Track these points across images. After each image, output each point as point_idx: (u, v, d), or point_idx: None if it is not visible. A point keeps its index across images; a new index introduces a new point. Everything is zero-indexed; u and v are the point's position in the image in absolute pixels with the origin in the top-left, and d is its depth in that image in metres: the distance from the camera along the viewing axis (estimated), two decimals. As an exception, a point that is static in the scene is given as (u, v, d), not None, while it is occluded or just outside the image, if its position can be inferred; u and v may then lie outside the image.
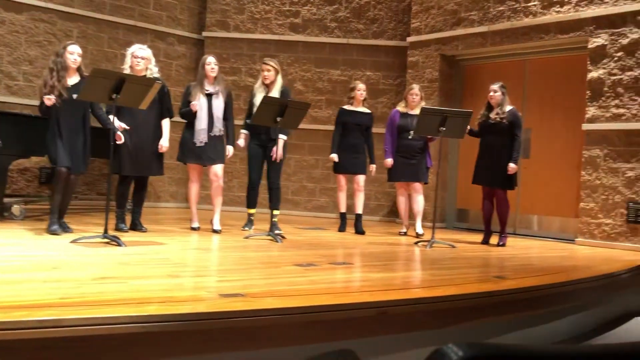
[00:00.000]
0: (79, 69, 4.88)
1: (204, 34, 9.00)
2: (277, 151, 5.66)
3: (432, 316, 2.86)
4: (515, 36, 7.29)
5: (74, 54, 4.79)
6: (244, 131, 5.98)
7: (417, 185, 6.37)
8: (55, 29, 7.82)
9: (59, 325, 2.04)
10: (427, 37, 8.13)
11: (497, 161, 5.79)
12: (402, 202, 6.55)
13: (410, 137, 6.14)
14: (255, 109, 5.40)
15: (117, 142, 4.97)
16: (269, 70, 5.87)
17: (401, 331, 2.73)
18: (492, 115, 5.87)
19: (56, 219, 4.73)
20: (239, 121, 6.40)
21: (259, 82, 5.98)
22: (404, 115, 6.33)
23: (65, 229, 4.81)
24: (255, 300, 2.60)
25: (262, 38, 8.92)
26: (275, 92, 5.80)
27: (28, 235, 4.54)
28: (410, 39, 8.34)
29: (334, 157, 6.37)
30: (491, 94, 5.93)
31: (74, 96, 4.64)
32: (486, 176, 5.88)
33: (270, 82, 5.87)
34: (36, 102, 5.78)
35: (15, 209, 5.63)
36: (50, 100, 4.56)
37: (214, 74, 5.59)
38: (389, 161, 6.34)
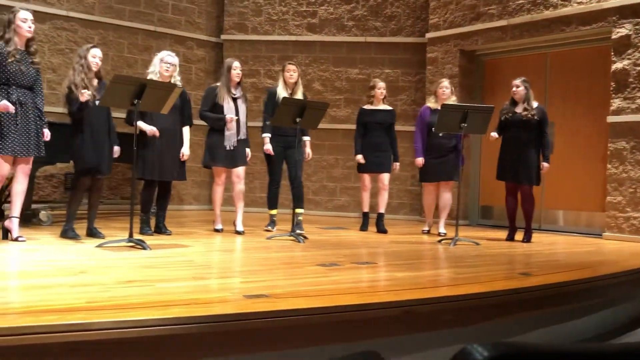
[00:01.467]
0: (97, 73, 4.92)
1: (223, 37, 9.07)
2: (308, 152, 5.98)
3: (457, 314, 2.83)
4: (535, 29, 7.20)
5: (96, 57, 4.82)
6: (267, 135, 5.94)
7: (448, 185, 6.26)
8: (76, 37, 7.95)
9: (87, 329, 2.07)
10: (446, 33, 8.07)
11: (523, 157, 5.73)
12: (428, 200, 6.41)
13: (441, 134, 5.99)
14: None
15: (148, 144, 5.11)
16: (294, 71, 5.95)
17: (426, 330, 2.71)
18: (519, 110, 5.80)
19: (72, 224, 4.78)
20: (256, 123, 6.40)
21: (281, 84, 5.98)
22: (435, 111, 6.08)
23: (98, 235, 4.83)
24: (279, 300, 2.60)
25: (280, 39, 8.95)
26: (299, 94, 5.87)
27: (56, 241, 4.62)
28: (428, 35, 8.29)
29: (360, 158, 6.31)
30: (514, 89, 5.86)
31: (96, 102, 4.70)
32: (512, 172, 5.80)
33: (295, 83, 5.92)
34: (59, 109, 5.88)
35: (43, 215, 5.73)
36: (83, 95, 4.54)
37: (239, 79, 5.64)
38: (420, 160, 6.20)
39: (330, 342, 2.46)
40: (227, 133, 5.54)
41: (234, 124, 5.54)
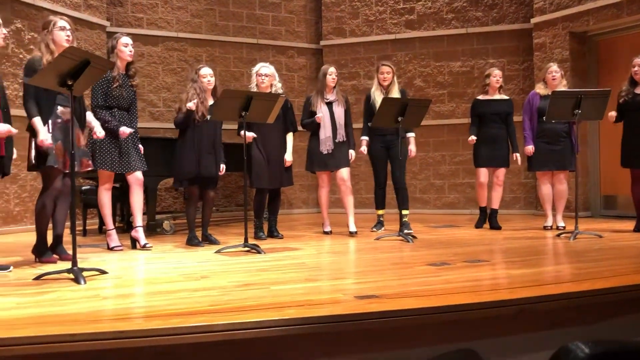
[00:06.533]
0: (213, 92, 5.21)
1: (322, 43, 9.22)
2: (411, 149, 5.84)
3: (578, 312, 2.68)
4: (655, 1, 6.62)
5: (206, 76, 5.14)
6: (364, 138, 6.00)
7: (562, 175, 5.91)
8: (186, 56, 8.46)
9: (209, 330, 2.21)
10: (553, 16, 7.65)
11: None
12: (545, 192, 5.97)
13: (553, 120, 5.62)
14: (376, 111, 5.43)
15: (256, 154, 5.35)
16: (388, 73, 5.89)
17: (544, 329, 2.59)
18: None
19: (194, 232, 5.10)
20: (358, 125, 6.45)
21: (375, 85, 5.99)
22: (545, 97, 5.74)
23: (212, 240, 5.14)
24: (390, 301, 2.62)
25: (378, 39, 8.95)
26: (395, 94, 5.81)
27: (178, 248, 4.95)
28: (534, 20, 7.90)
29: (472, 138, 6.06)
30: (635, 68, 5.44)
31: (208, 117, 4.98)
32: (639, 157, 5.38)
33: (389, 84, 5.88)
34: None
35: (166, 224, 6.15)
36: (194, 105, 4.88)
37: (334, 84, 5.74)
38: (530, 148, 5.86)
39: (442, 343, 2.43)
40: (322, 137, 5.64)
41: (327, 123, 5.61)
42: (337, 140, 5.69)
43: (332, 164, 5.71)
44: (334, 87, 5.77)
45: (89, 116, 4.39)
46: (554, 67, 5.95)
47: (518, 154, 6.13)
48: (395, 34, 8.89)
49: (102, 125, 4.49)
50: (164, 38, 8.36)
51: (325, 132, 5.65)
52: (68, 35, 4.01)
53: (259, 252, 4.45)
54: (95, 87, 4.54)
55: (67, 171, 3.97)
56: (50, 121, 3.94)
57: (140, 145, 4.84)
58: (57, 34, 4.00)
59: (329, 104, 5.73)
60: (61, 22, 4.03)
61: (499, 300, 2.60)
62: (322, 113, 5.65)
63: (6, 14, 6.20)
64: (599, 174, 7.64)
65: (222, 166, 5.25)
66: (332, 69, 5.78)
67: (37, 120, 3.87)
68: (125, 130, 4.53)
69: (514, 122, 6.20)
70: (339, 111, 5.73)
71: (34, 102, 3.89)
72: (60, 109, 3.99)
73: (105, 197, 4.69)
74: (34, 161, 3.96)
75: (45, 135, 3.85)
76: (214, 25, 8.72)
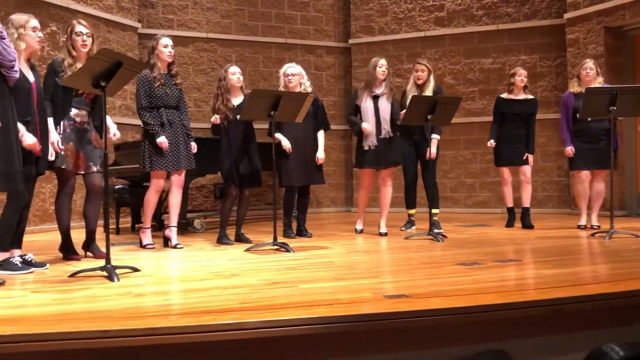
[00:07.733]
0: (241, 89, 5.27)
1: (350, 41, 9.20)
2: (431, 151, 5.60)
3: (612, 313, 2.62)
4: (695, -6, 6.42)
5: (235, 74, 5.19)
6: None
7: (601, 174, 5.76)
8: (216, 56, 8.55)
9: (240, 328, 2.23)
10: (587, 11, 7.49)
11: None
12: (581, 190, 5.84)
13: (590, 118, 5.49)
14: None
15: (286, 152, 5.33)
16: (422, 71, 5.81)
17: (577, 330, 2.54)
18: None
19: (225, 231, 5.15)
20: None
21: (411, 82, 5.92)
22: (579, 95, 5.60)
23: (245, 240, 5.16)
24: (420, 300, 2.60)
25: (407, 37, 8.89)
26: (428, 92, 5.74)
27: (209, 247, 5.00)
28: (567, 16, 7.75)
29: (490, 143, 6.04)
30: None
31: (238, 117, 5.03)
32: None
33: (423, 82, 5.81)
34: (206, 125, 6.38)
35: (197, 223, 6.23)
36: (217, 119, 5.03)
37: (384, 77, 5.55)
38: (569, 149, 5.75)
39: (472, 343, 2.40)
40: (364, 132, 5.55)
41: (371, 118, 5.46)
42: (381, 137, 5.49)
43: (377, 161, 5.56)
44: (384, 80, 5.57)
45: (108, 120, 4.41)
46: (589, 63, 5.82)
47: (531, 155, 6.04)
48: (425, 31, 8.82)
49: (145, 128, 4.65)
50: (194, 39, 8.46)
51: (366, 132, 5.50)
52: (84, 40, 4.11)
53: (288, 251, 4.47)
54: (138, 89, 4.67)
55: (81, 172, 4.12)
56: (63, 122, 4.05)
57: (193, 144, 4.91)
58: (74, 39, 4.12)
59: (375, 98, 5.55)
60: (78, 28, 4.14)
61: (531, 301, 2.56)
62: (365, 110, 5.49)
63: (42, 17, 6.34)
64: (635, 172, 7.46)
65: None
66: (382, 61, 5.57)
67: (50, 122, 4.00)
68: (162, 141, 4.60)
69: (537, 120, 6.13)
70: (385, 105, 5.50)
71: (50, 103, 4.02)
72: (74, 111, 4.09)
73: (153, 197, 4.78)
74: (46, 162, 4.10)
75: (56, 137, 3.97)
76: (243, 25, 8.78)
